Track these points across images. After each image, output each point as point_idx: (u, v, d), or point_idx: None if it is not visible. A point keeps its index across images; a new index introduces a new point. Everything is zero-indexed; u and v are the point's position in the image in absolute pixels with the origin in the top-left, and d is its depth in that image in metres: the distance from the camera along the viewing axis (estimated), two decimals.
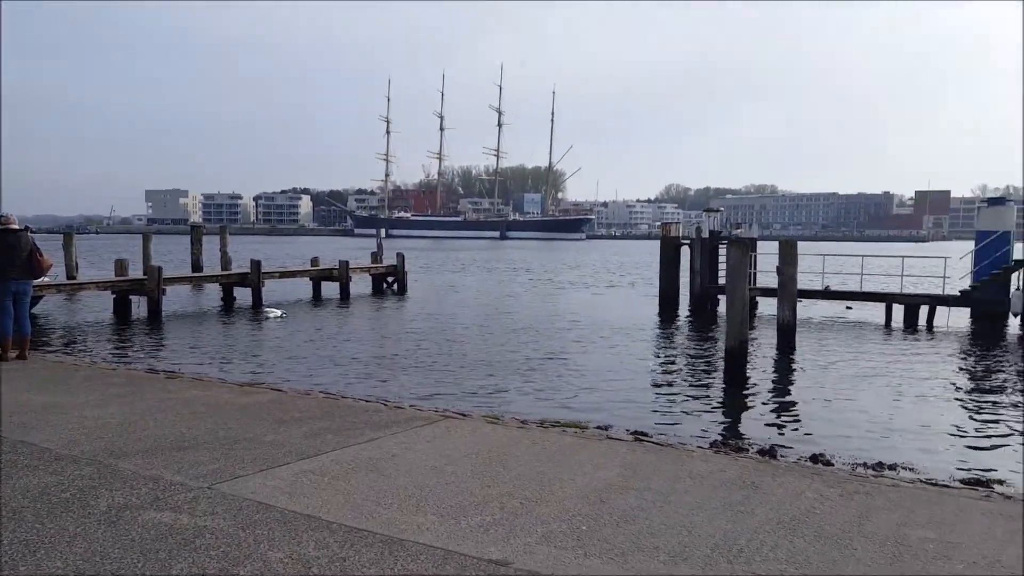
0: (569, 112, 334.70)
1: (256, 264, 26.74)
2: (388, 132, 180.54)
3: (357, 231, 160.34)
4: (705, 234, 27.67)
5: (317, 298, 29.03)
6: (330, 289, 29.68)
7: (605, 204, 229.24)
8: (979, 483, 7.91)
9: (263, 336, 19.55)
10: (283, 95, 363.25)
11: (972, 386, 13.92)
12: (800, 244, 19.96)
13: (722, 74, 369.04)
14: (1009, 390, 13.40)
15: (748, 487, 6.06)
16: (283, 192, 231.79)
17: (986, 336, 20.62)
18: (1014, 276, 22.46)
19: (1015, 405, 12.10)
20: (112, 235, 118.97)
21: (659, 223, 32.63)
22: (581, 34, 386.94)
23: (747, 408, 11.97)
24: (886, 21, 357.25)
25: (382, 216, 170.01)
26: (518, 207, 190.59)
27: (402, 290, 32.56)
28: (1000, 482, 8.00)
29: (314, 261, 31.42)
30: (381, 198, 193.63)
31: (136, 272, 25.17)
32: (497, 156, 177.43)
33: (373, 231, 47.82)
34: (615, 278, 44.76)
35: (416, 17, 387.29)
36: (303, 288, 30.68)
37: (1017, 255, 22.72)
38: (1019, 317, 21.86)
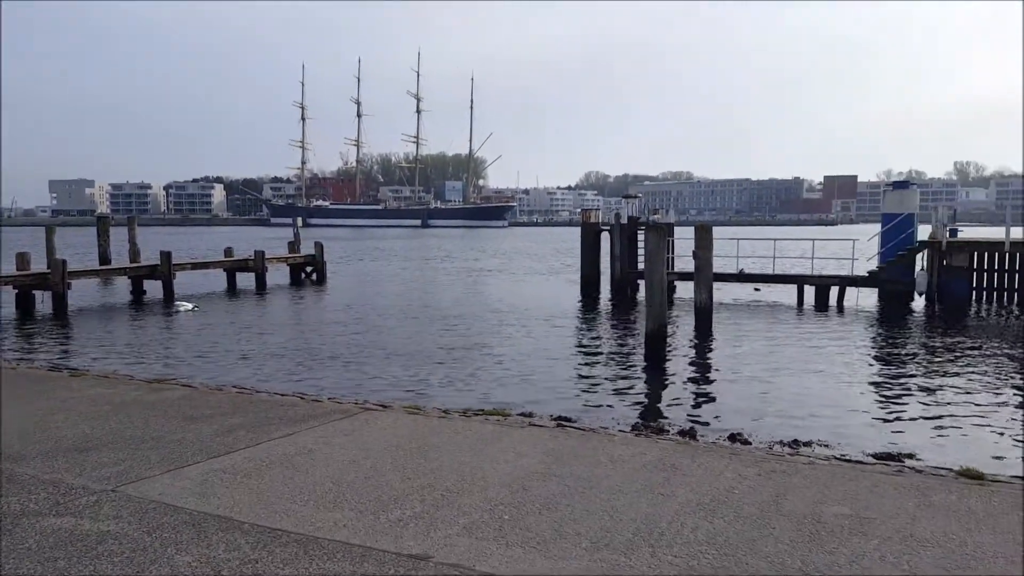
0: (489, 99, 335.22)
1: (166, 255, 25.57)
2: (303, 118, 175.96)
3: (274, 220, 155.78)
4: (624, 220, 28.00)
5: (232, 290, 28.01)
6: (246, 280, 28.70)
7: (527, 191, 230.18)
8: (891, 457, 8.20)
9: (174, 331, 18.70)
10: (192, 80, 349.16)
11: (881, 363, 14.53)
12: (715, 229, 20.41)
13: (638, 61, 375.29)
14: (915, 366, 14.05)
15: (668, 469, 6.08)
16: (195, 181, 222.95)
17: (893, 314, 21.61)
18: (918, 256, 23.59)
19: (922, 382, 12.68)
20: (14, 228, 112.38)
21: (580, 210, 32.86)
22: (501, 20, 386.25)
23: (667, 390, 12.14)
24: (801, 6, 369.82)
25: (299, 205, 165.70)
26: (439, 195, 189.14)
27: (321, 280, 31.80)
28: (911, 455, 8.34)
29: (228, 251, 30.30)
30: (298, 186, 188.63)
31: (40, 266, 23.75)
32: (417, 143, 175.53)
33: (290, 220, 46.26)
34: (537, 265, 44.96)
35: (330, 4, 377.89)
36: (217, 280, 29.56)
37: (921, 236, 23.87)
38: (923, 296, 23.01)
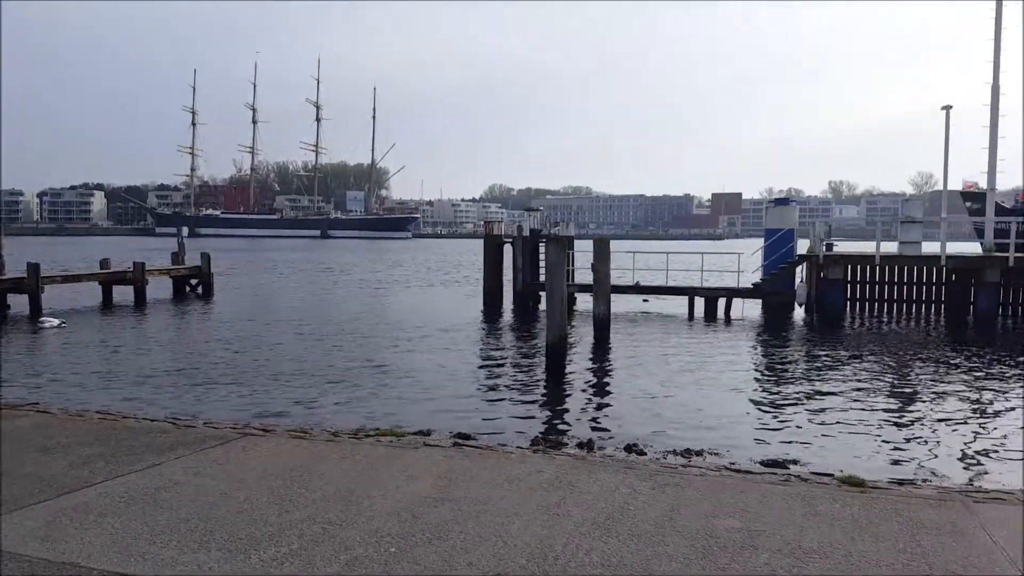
0: (394, 109, 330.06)
1: (34, 267, 23.62)
2: (194, 124, 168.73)
3: (159, 230, 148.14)
4: (526, 233, 28.12)
5: (108, 305, 26.19)
6: (124, 294, 26.93)
7: (431, 203, 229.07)
8: (777, 464, 8.38)
9: (37, 350, 17.21)
10: (72, 79, 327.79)
11: (766, 372, 15.04)
12: (613, 242, 20.72)
13: (542, 77, 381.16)
14: (797, 374, 14.61)
15: (565, 487, 5.94)
16: (72, 188, 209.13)
17: (776, 324, 22.55)
18: (798, 269, 24.78)
19: (803, 389, 13.17)
20: None
21: (483, 222, 32.82)
22: (406, 31, 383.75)
23: (567, 402, 12.08)
24: (690, 26, 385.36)
25: (187, 214, 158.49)
26: (340, 205, 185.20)
27: (208, 294, 30.25)
28: (795, 462, 8.55)
29: (104, 263, 28.33)
30: (187, 194, 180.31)
31: None
32: (316, 151, 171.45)
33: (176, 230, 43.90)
34: (440, 277, 44.57)
35: (222, 5, 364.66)
36: (91, 294, 27.60)
37: (800, 250, 25.08)
38: (803, 306, 24.15)
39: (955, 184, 47.49)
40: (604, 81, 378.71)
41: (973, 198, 34.63)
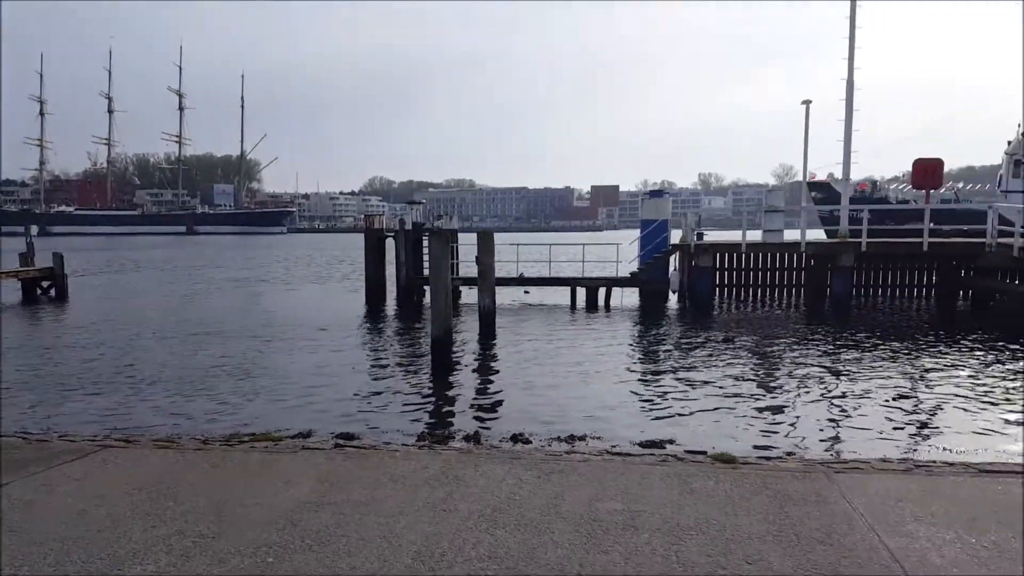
0: (265, 100, 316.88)
1: None
2: (42, 114, 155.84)
3: (5, 229, 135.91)
4: (408, 226, 27.78)
5: None
6: None
7: (307, 196, 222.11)
8: (655, 444, 8.71)
9: None
10: None
11: (643, 357, 15.57)
12: (497, 235, 20.81)
13: (422, 69, 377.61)
14: (672, 358, 15.21)
15: (451, 482, 5.89)
16: None
17: (652, 311, 23.43)
18: (671, 258, 25.82)
19: (678, 372, 13.72)
20: None
21: (363, 215, 32.15)
22: (277, 16, 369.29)
23: (454, 395, 12.04)
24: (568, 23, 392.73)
25: (37, 211, 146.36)
26: (207, 199, 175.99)
27: (61, 297, 28.03)
28: (671, 442, 8.89)
29: None
30: (35, 190, 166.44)
31: None
32: (180, 143, 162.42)
33: (24, 229, 40.25)
34: (318, 273, 43.34)
35: None
36: None
37: (673, 240, 26.13)
38: (676, 294, 25.21)
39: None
40: (484, 74, 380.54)
41: (818, 188, 37.22)
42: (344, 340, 18.00)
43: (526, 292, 27.24)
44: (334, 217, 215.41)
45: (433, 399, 11.78)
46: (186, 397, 11.85)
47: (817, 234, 26.50)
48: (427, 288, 22.66)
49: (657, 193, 29.54)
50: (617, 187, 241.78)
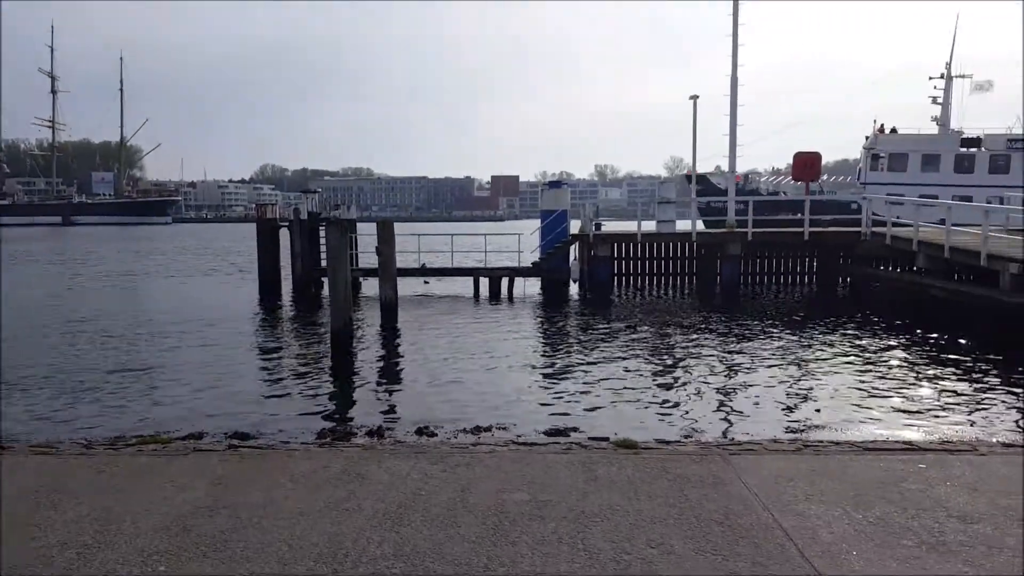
0: (148, 83, 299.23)
1: None
2: None
3: None
4: (304, 216, 26.99)
5: None
6: None
7: (193, 184, 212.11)
8: (559, 433, 8.82)
9: None
10: None
11: (546, 345, 15.77)
12: (397, 225, 20.54)
13: (316, 55, 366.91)
14: (573, 346, 15.46)
15: (354, 480, 5.76)
16: None
17: (553, 300, 23.76)
18: (571, 248, 26.25)
19: (578, 359, 13.96)
20: None
21: (255, 205, 30.94)
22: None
23: (356, 390, 11.80)
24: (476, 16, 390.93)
25: None
26: (85, 188, 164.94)
27: None
28: (575, 429, 9.02)
29: None
30: None
31: None
32: (53, 128, 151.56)
33: None
34: (207, 265, 41.51)
35: None
36: None
37: (572, 230, 26.56)
38: (576, 282, 25.66)
39: (703, 168, 53.10)
40: (383, 63, 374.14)
41: (699, 181, 38.95)
42: (237, 336, 17.30)
43: (426, 283, 27.07)
44: (223, 206, 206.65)
45: (334, 395, 11.50)
46: (65, 399, 11.08)
47: (685, 225, 27.68)
48: (325, 280, 22.12)
49: (556, 184, 29.95)
50: (517, 177, 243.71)
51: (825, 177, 50.66)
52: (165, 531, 4.75)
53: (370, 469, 6.02)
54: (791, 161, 32.45)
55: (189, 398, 11.24)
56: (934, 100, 43.88)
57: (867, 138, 42.12)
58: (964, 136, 40.89)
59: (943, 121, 43.05)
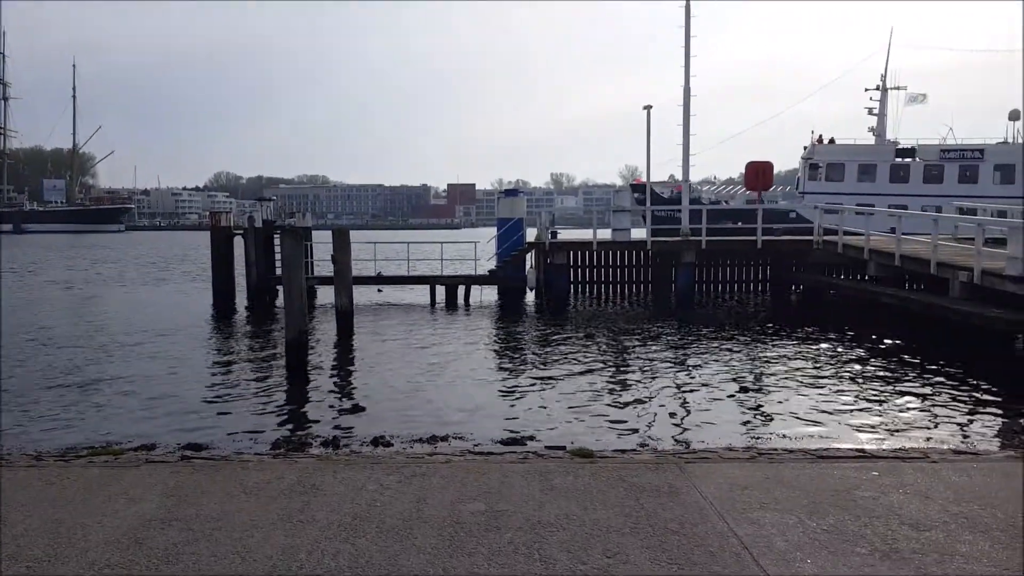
0: (98, 90, 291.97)
1: None
2: None
3: None
4: (259, 224, 26.61)
5: None
6: None
7: (147, 192, 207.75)
8: (516, 442, 8.87)
9: None
10: None
11: (502, 354, 15.80)
12: (353, 233, 20.39)
13: (272, 62, 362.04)
14: (530, 354, 15.53)
15: (308, 491, 5.72)
16: None
17: (510, 308, 23.84)
18: (528, 256, 26.36)
19: (536, 368, 14.04)
20: None
21: (209, 212, 30.28)
22: (111, 6, 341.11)
23: (311, 400, 11.68)
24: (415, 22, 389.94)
25: None
26: (36, 196, 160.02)
27: None
28: (532, 438, 9.08)
29: None
30: None
31: None
32: (3, 135, 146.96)
33: None
34: (161, 273, 40.62)
35: None
36: None
37: (529, 238, 26.68)
38: (533, 290, 25.77)
39: (658, 176, 53.82)
40: (339, 72, 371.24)
41: (639, 190, 39.59)
42: (190, 345, 16.98)
43: (379, 291, 26.92)
44: (177, 214, 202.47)
45: (289, 405, 11.37)
46: (14, 411, 10.74)
47: (639, 233, 28.06)
48: (280, 288, 21.82)
49: (512, 192, 30.04)
50: (473, 185, 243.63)
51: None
52: (116, 544, 4.67)
53: (325, 480, 5.98)
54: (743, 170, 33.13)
55: (141, 409, 11.01)
56: (870, 111, 45.15)
57: (805, 148, 43.20)
58: (899, 147, 42.22)
59: (879, 132, 44.35)
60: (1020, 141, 41.97)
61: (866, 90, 45.41)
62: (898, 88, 45.07)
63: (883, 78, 44.99)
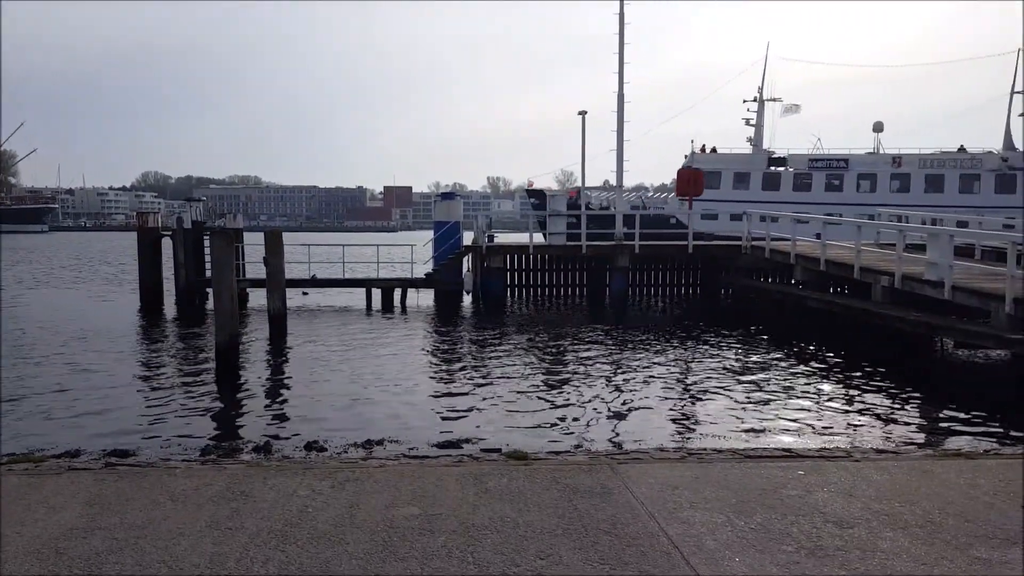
0: (20, 85, 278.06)
1: None
2: None
3: None
4: (188, 225, 25.85)
5: None
6: None
7: (71, 191, 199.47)
8: (451, 445, 8.87)
9: None
10: None
11: (439, 357, 15.75)
12: (286, 235, 20.03)
13: (200, 59, 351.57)
14: (467, 357, 15.54)
15: (238, 498, 5.60)
16: None
17: (447, 312, 23.77)
18: (464, 259, 26.35)
19: (472, 372, 14.05)
20: None
21: (136, 213, 29.25)
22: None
23: (242, 406, 11.41)
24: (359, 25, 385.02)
25: None
26: None
27: None
28: (467, 441, 9.10)
29: None
30: None
31: None
32: None
33: None
34: (87, 275, 39.00)
35: None
36: None
37: (466, 242, 26.68)
38: (470, 294, 25.78)
39: (593, 181, 54.54)
40: (272, 71, 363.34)
41: (536, 195, 40.14)
42: (116, 349, 16.38)
43: (304, 294, 26.46)
44: (103, 215, 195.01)
45: (219, 410, 11.10)
46: None
47: (537, 238, 28.42)
48: (210, 291, 21.25)
49: (449, 195, 30.04)
50: (410, 188, 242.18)
51: (649, 192, 53.54)
52: (36, 555, 4.49)
53: (255, 486, 5.87)
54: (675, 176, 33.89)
55: (64, 415, 10.59)
56: (747, 122, 46.78)
57: (686, 156, 44.46)
58: (772, 155, 43.91)
59: (756, 141, 45.98)
60: (882, 151, 44.15)
61: (744, 101, 47.12)
62: (775, 100, 46.87)
63: (760, 90, 46.73)
